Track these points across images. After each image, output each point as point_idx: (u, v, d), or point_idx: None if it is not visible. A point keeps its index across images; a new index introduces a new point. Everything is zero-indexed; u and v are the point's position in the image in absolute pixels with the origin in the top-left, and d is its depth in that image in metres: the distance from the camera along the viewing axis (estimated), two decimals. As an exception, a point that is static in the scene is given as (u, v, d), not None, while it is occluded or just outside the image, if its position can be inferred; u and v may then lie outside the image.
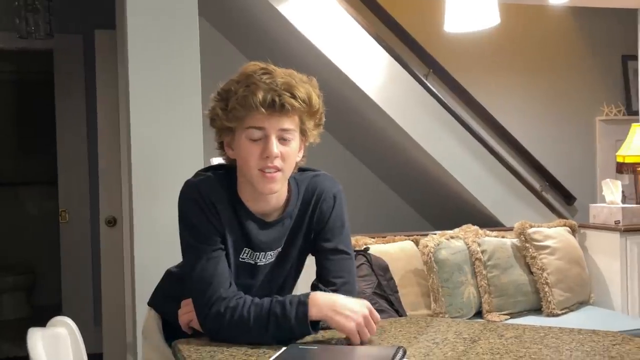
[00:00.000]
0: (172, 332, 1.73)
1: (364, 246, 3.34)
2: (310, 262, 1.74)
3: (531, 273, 3.62)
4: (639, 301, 3.71)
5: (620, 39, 5.15)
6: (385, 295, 3.09)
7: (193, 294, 1.57)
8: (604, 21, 5.13)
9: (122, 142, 3.59)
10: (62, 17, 4.39)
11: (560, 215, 4.21)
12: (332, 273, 1.63)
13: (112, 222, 3.96)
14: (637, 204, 3.93)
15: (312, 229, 1.67)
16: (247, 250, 1.62)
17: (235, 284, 1.56)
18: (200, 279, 1.54)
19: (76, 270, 4.71)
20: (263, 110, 1.50)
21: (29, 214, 6.56)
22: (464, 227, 3.69)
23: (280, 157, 1.54)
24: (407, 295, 3.36)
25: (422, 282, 3.45)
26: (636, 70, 4.61)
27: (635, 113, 5.05)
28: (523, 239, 3.65)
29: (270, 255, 1.65)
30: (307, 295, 1.51)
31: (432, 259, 3.41)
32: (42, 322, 1.65)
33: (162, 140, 2.86)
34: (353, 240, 3.28)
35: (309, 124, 1.60)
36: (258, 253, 1.63)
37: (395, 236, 3.61)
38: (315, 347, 1.44)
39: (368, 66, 3.76)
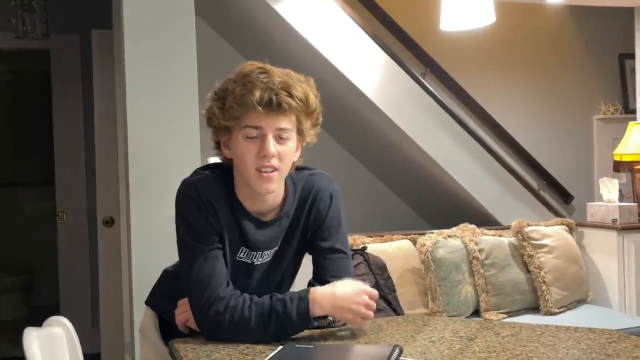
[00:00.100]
0: (169, 330, 1.72)
1: (362, 245, 3.34)
2: (307, 261, 1.74)
3: (528, 272, 3.62)
4: (636, 299, 3.72)
5: (617, 37, 5.15)
6: (383, 294, 3.09)
7: (190, 293, 1.57)
8: (601, 20, 5.13)
9: (119, 142, 3.59)
10: (58, 17, 4.38)
11: (557, 214, 4.21)
12: (329, 272, 1.63)
13: (109, 222, 3.96)
14: (634, 202, 3.94)
15: (308, 228, 1.67)
16: (244, 249, 1.62)
17: (232, 284, 1.56)
18: (198, 278, 1.54)
19: (74, 270, 4.70)
20: (260, 109, 1.51)
21: (26, 214, 6.55)
22: (462, 225, 3.70)
23: (277, 157, 1.54)
24: (405, 294, 3.36)
25: (420, 281, 3.45)
26: (633, 69, 4.61)
27: (633, 112, 5.05)
28: (520, 237, 3.66)
29: (267, 254, 1.65)
30: (307, 291, 1.52)
31: (430, 257, 3.41)
32: (39, 323, 1.65)
33: (159, 140, 2.86)
34: (350, 239, 3.31)
35: (306, 124, 1.60)
36: (255, 252, 1.63)
37: (392, 235, 3.61)
38: (311, 346, 1.44)
39: (365, 65, 3.76)
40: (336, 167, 4.17)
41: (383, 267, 3.22)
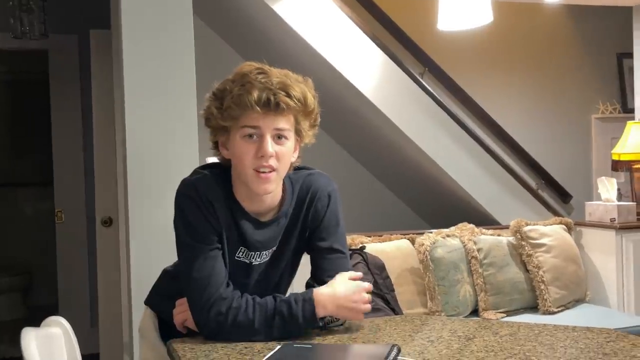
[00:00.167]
0: (168, 330, 1.72)
1: (360, 245, 3.34)
2: (305, 261, 1.74)
3: (527, 271, 3.62)
4: (635, 298, 3.72)
5: (615, 36, 5.16)
6: (382, 294, 3.09)
7: (189, 294, 1.57)
8: (599, 19, 5.14)
9: (118, 142, 3.59)
10: (56, 17, 4.38)
11: (556, 213, 4.21)
12: (327, 272, 1.64)
13: (108, 222, 3.96)
14: (632, 201, 3.94)
15: (307, 227, 1.68)
16: (242, 249, 1.62)
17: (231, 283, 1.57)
18: (197, 278, 1.54)
19: (72, 270, 4.70)
20: (258, 109, 1.51)
21: (24, 215, 6.55)
22: (460, 225, 3.70)
23: (275, 157, 1.54)
24: (404, 293, 3.36)
25: (418, 281, 3.45)
26: (631, 68, 4.62)
27: (631, 111, 5.06)
28: (519, 237, 3.66)
29: (265, 254, 1.65)
30: (310, 292, 1.53)
31: (428, 257, 3.41)
32: (38, 323, 1.65)
33: (157, 140, 2.85)
34: (349, 239, 3.31)
35: (304, 124, 1.60)
36: (253, 252, 1.63)
37: (391, 235, 3.61)
38: (309, 346, 1.44)
39: (363, 65, 3.76)
40: (335, 167, 4.18)
41: (382, 267, 3.22)
